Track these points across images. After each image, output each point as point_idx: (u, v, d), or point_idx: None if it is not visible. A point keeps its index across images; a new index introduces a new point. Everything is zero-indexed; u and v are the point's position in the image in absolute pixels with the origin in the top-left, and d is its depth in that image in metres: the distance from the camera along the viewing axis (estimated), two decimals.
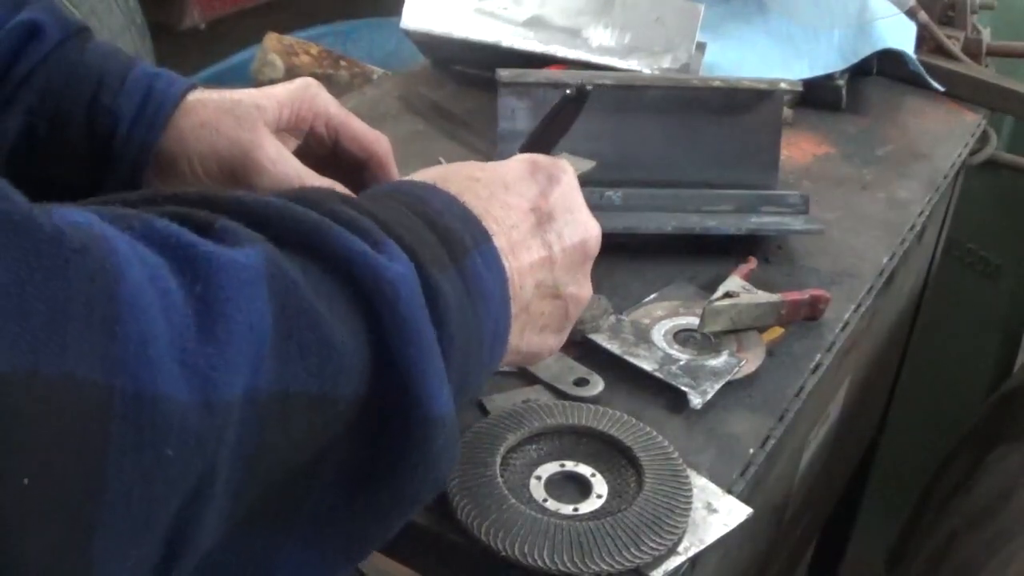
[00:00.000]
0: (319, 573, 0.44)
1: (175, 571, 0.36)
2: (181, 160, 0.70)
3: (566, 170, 0.61)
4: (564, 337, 0.61)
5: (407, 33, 1.17)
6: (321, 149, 0.76)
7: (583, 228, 0.60)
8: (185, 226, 0.38)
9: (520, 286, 0.55)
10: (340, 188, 0.72)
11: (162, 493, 0.34)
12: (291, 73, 1.60)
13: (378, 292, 0.42)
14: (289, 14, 2.34)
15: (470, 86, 1.15)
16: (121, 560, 0.34)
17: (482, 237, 0.52)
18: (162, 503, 0.34)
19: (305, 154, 0.74)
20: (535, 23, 1.12)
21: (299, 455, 0.40)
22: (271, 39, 1.76)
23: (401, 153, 0.79)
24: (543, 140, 0.68)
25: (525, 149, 0.67)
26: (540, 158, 0.61)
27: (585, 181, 0.88)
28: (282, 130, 0.74)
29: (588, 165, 0.80)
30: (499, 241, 0.53)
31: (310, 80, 0.77)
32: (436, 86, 1.17)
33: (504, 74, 0.90)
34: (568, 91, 0.66)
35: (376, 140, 0.77)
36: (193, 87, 0.72)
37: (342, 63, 1.75)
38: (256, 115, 0.71)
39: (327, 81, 1.74)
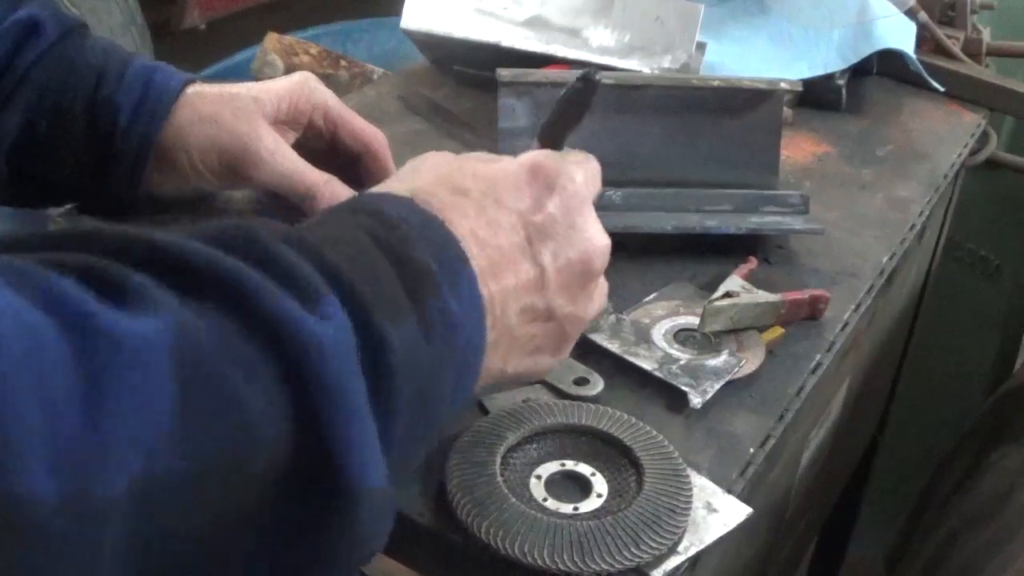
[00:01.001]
0: None
1: None
2: (180, 153, 0.70)
3: (572, 176, 0.56)
4: (564, 355, 0.59)
5: (407, 33, 1.17)
6: (319, 142, 0.77)
7: (584, 243, 0.55)
8: (93, 284, 0.34)
9: (503, 311, 0.52)
10: (337, 182, 0.72)
11: None
12: (291, 73, 1.60)
13: (304, 357, 0.39)
14: (289, 14, 2.34)
15: (470, 86, 1.15)
16: None
17: (458, 264, 0.49)
18: None
19: (303, 147, 0.75)
20: (535, 23, 1.12)
21: (205, 533, 0.37)
22: (271, 39, 1.76)
23: (401, 153, 0.79)
24: (552, 133, 0.64)
25: (540, 141, 0.63)
26: (544, 162, 0.56)
27: None
28: (280, 123, 0.74)
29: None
30: (480, 263, 0.50)
31: (308, 74, 0.77)
32: (436, 86, 1.17)
33: (504, 74, 0.90)
34: (576, 80, 0.61)
35: (373, 134, 0.77)
36: (192, 80, 0.72)
37: (342, 63, 1.75)
38: (254, 108, 0.72)
39: (327, 81, 1.74)
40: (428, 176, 0.54)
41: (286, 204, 0.73)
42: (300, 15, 2.15)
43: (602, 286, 0.60)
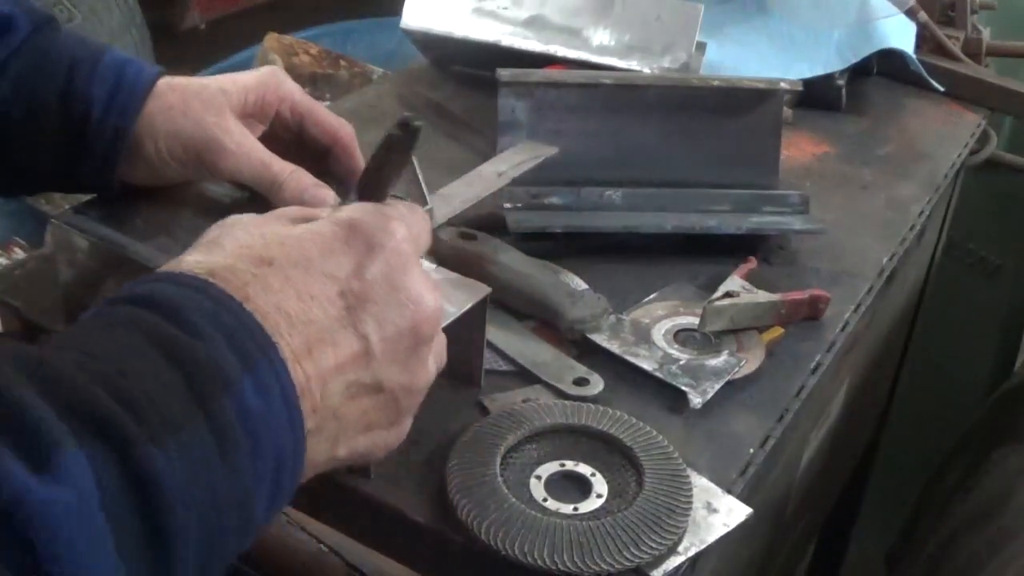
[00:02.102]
0: None
1: None
2: (148, 142, 0.71)
3: (393, 233, 0.51)
4: (403, 429, 0.54)
5: (407, 33, 1.17)
6: (287, 134, 0.77)
7: (411, 309, 0.50)
8: None
9: (322, 394, 0.47)
10: (303, 173, 0.73)
11: None
12: (291, 73, 1.60)
13: (30, 530, 0.34)
14: (289, 14, 2.34)
15: (470, 86, 1.15)
16: None
17: (259, 351, 0.44)
18: None
19: (271, 140, 0.75)
20: (535, 23, 1.12)
21: None
22: (271, 39, 1.76)
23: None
24: (373, 184, 0.58)
25: (361, 193, 0.58)
26: (361, 220, 0.51)
27: (585, 180, 0.88)
28: (248, 115, 0.74)
29: (549, 151, 0.79)
30: (290, 344, 0.45)
31: (275, 68, 0.78)
32: (436, 86, 1.17)
33: (504, 74, 0.90)
34: (393, 129, 0.56)
35: (341, 126, 0.78)
36: (164, 73, 0.73)
37: (342, 63, 1.75)
38: (222, 100, 0.72)
39: (327, 81, 1.74)
40: (230, 247, 0.49)
41: (256, 196, 0.73)
42: (300, 15, 2.15)
43: (439, 343, 0.55)
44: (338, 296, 0.48)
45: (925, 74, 1.28)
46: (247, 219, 0.51)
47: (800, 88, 0.99)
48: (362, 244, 0.50)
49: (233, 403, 0.42)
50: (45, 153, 0.71)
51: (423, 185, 0.69)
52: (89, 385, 0.39)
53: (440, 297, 0.54)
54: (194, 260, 0.47)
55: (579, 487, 0.63)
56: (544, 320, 0.76)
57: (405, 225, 0.52)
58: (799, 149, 1.11)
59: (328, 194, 0.72)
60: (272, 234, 0.49)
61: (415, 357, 0.52)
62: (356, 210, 0.52)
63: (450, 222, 0.74)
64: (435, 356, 0.55)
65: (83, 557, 0.36)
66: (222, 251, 0.48)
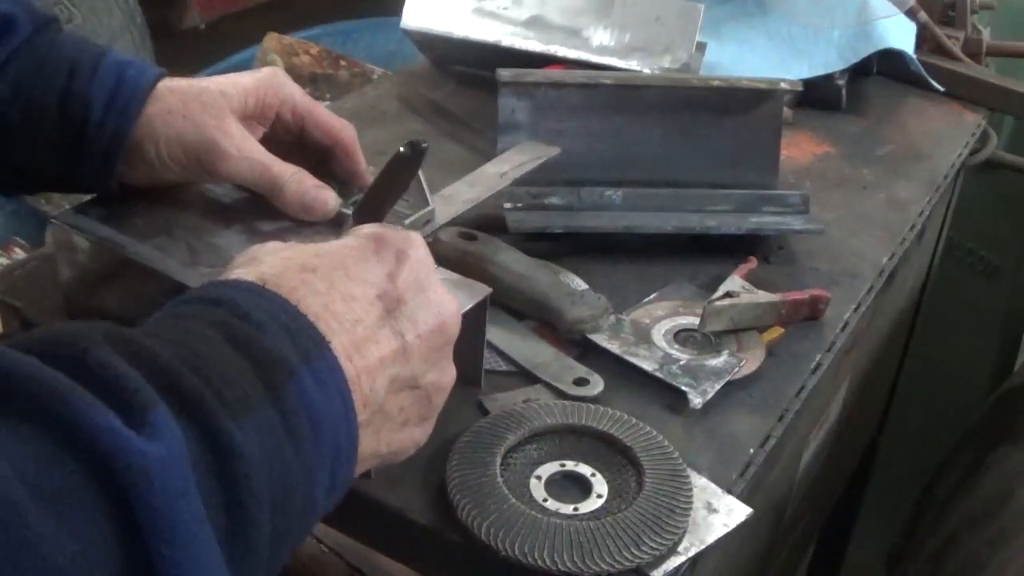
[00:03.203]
0: None
1: None
2: (148, 145, 0.71)
3: (415, 243, 0.56)
4: (430, 427, 0.57)
5: (407, 33, 1.17)
6: (287, 136, 0.77)
7: (437, 309, 0.55)
8: None
9: (370, 388, 0.50)
10: (305, 174, 0.73)
11: None
12: (291, 73, 1.60)
13: (127, 481, 0.36)
14: (289, 14, 2.34)
15: (470, 86, 1.15)
16: None
17: (316, 347, 0.47)
18: None
19: (272, 141, 0.75)
20: (535, 23, 1.12)
21: None
22: (271, 39, 1.76)
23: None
24: (378, 201, 0.61)
25: (359, 211, 0.61)
26: (386, 232, 0.55)
27: (586, 180, 0.88)
28: (248, 117, 0.74)
29: (551, 152, 0.80)
30: (341, 341, 0.48)
31: (276, 69, 0.78)
32: (436, 86, 1.17)
33: (504, 74, 0.90)
34: (402, 149, 0.60)
35: (342, 127, 0.78)
36: (164, 75, 0.73)
37: (342, 63, 1.76)
38: (222, 102, 0.72)
39: (327, 81, 1.74)
40: (270, 260, 0.52)
41: (256, 198, 0.73)
42: (300, 15, 2.15)
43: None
44: (376, 299, 0.52)
45: (925, 74, 1.28)
46: (275, 244, 0.54)
47: (800, 88, 0.99)
48: (391, 254, 0.54)
49: (296, 391, 0.44)
50: (45, 154, 0.71)
51: (425, 186, 0.69)
52: (173, 361, 0.41)
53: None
54: (242, 272, 0.50)
55: (579, 487, 0.63)
56: (544, 320, 0.76)
57: (421, 238, 0.57)
58: (799, 149, 1.11)
59: (329, 195, 0.72)
60: (308, 248, 0.53)
61: (443, 355, 0.56)
62: (376, 227, 0.56)
63: (451, 222, 0.74)
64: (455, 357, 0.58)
65: (176, 511, 0.37)
66: (265, 264, 0.51)
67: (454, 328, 0.56)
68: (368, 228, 0.56)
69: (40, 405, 0.36)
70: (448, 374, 0.56)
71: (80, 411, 0.36)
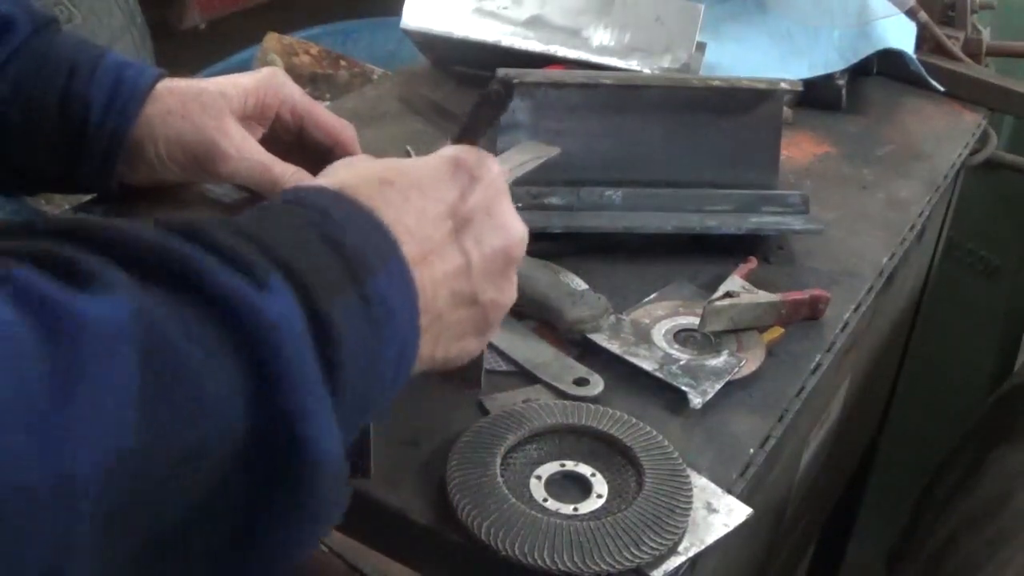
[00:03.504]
0: None
1: None
2: (148, 146, 0.71)
3: (491, 168, 0.58)
4: (486, 340, 0.60)
5: (407, 33, 1.17)
6: (287, 136, 0.77)
7: (505, 232, 0.57)
8: (52, 270, 0.36)
9: (433, 297, 0.53)
10: (304, 174, 0.73)
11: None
12: (291, 73, 1.60)
13: (257, 334, 0.40)
14: (289, 14, 2.34)
15: (470, 86, 1.15)
16: None
17: (389, 250, 0.50)
18: None
19: (272, 141, 0.75)
20: (535, 23, 1.12)
21: (174, 509, 0.38)
22: (271, 39, 1.76)
23: (401, 153, 0.79)
24: (469, 132, 0.65)
25: (456, 139, 0.64)
26: (464, 155, 0.57)
27: (585, 180, 0.88)
28: (248, 118, 0.75)
29: (552, 151, 0.80)
30: (410, 251, 0.51)
31: (276, 69, 0.78)
32: (436, 86, 1.17)
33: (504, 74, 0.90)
34: (494, 82, 0.65)
35: (342, 127, 0.78)
36: (163, 76, 0.73)
37: (342, 63, 1.75)
38: (221, 103, 0.72)
39: (327, 81, 1.74)
40: (352, 172, 0.55)
41: (257, 198, 0.73)
42: (300, 15, 2.15)
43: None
44: (446, 216, 0.54)
45: (925, 74, 1.28)
46: (354, 159, 0.57)
47: (800, 88, 0.99)
48: (465, 176, 0.56)
49: (375, 286, 0.47)
50: (45, 154, 0.71)
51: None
52: (274, 243, 0.44)
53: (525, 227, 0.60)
54: (322, 181, 0.53)
55: (579, 487, 0.63)
56: (544, 320, 0.76)
57: (497, 163, 0.59)
58: (799, 149, 1.11)
59: None
60: (387, 162, 0.56)
61: (504, 276, 0.58)
62: (458, 149, 0.58)
63: None
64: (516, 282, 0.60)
65: (296, 361, 0.41)
66: (347, 174, 0.54)
67: (518, 252, 0.58)
68: (448, 150, 0.58)
69: (177, 272, 0.40)
70: (507, 294, 0.59)
71: (212, 276, 0.40)
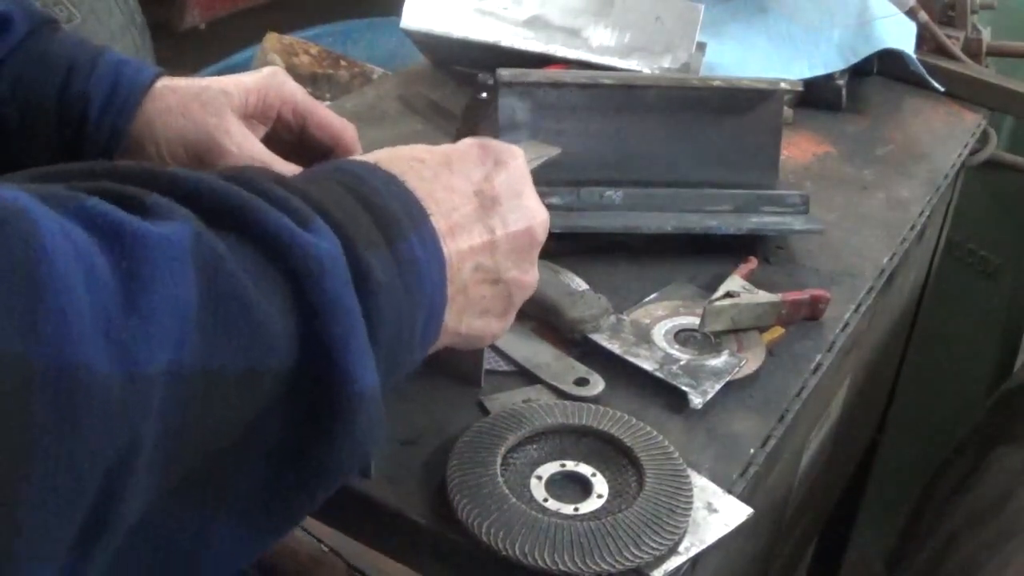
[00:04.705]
0: (249, 547, 0.44)
1: (102, 542, 0.37)
2: (149, 144, 0.71)
3: (516, 155, 0.61)
4: (508, 321, 0.61)
5: (407, 33, 1.17)
6: (288, 135, 0.77)
7: (529, 214, 0.60)
8: (117, 203, 0.39)
9: (458, 268, 0.55)
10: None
11: (86, 464, 0.35)
12: (291, 73, 1.60)
13: (304, 268, 0.42)
14: (289, 14, 2.34)
15: (470, 86, 1.15)
16: (46, 531, 0.34)
17: (420, 217, 0.52)
18: (87, 474, 0.35)
19: (273, 141, 0.75)
20: (535, 23, 1.12)
21: (225, 429, 0.40)
22: (271, 39, 1.76)
23: None
24: (468, 133, 0.67)
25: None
26: (490, 141, 0.61)
27: (586, 180, 0.88)
28: (249, 116, 0.75)
29: (552, 151, 0.80)
30: (438, 223, 0.53)
31: (277, 68, 0.78)
32: (436, 86, 1.17)
33: (504, 74, 0.90)
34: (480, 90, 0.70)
35: (343, 127, 0.78)
36: (162, 74, 0.73)
37: (342, 63, 1.75)
38: (223, 101, 0.72)
39: (327, 81, 1.74)
40: (386, 151, 0.57)
41: None
42: (300, 15, 2.14)
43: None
44: (474, 195, 0.57)
45: (925, 74, 1.28)
46: (392, 148, 0.59)
47: (800, 88, 0.99)
48: (491, 159, 0.59)
49: (407, 248, 0.49)
50: (43, 153, 0.71)
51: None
52: (318, 193, 0.47)
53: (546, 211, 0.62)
54: (367, 155, 0.56)
55: (579, 487, 0.63)
56: (544, 320, 0.76)
57: (521, 151, 0.62)
58: (799, 149, 1.11)
59: None
60: (420, 147, 0.58)
61: (527, 257, 0.60)
62: (483, 138, 0.61)
63: None
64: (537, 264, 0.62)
65: (343, 297, 0.44)
66: (382, 152, 0.56)
67: (542, 234, 0.61)
68: (474, 138, 0.61)
69: (229, 212, 0.42)
70: (530, 275, 0.60)
71: (263, 216, 0.42)
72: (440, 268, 0.53)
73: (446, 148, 0.59)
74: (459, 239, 0.55)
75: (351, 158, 0.56)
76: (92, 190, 0.39)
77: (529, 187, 0.61)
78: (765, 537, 0.88)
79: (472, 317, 0.58)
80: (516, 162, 0.60)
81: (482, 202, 0.57)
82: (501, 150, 0.60)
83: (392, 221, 0.50)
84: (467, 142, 0.60)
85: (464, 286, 0.56)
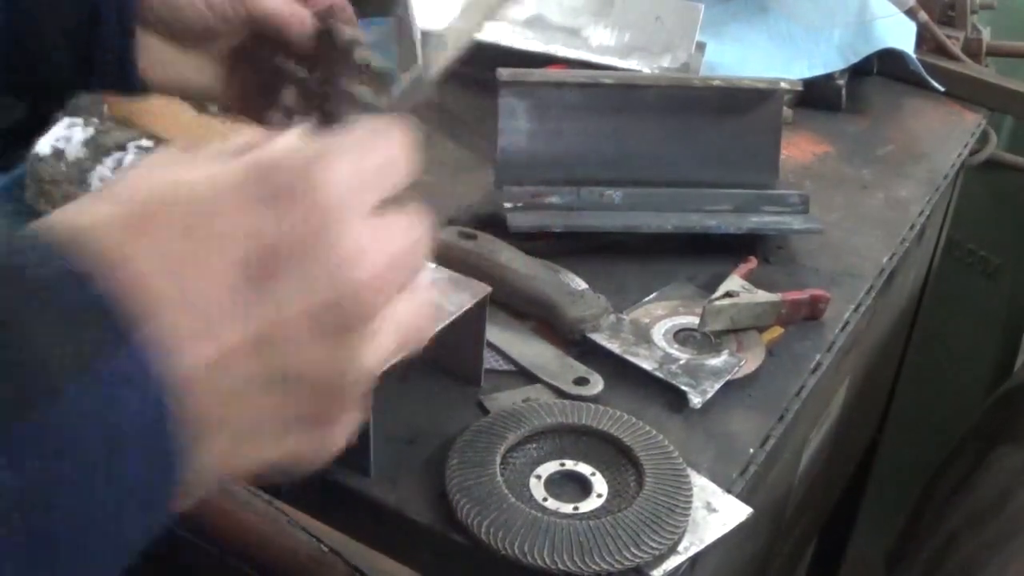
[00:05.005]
0: None
1: None
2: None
3: (325, 176, 0.37)
4: (343, 429, 0.40)
5: None
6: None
7: (335, 273, 0.37)
8: None
9: (212, 387, 0.35)
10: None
11: None
12: None
13: None
14: None
15: (470, 86, 1.15)
16: None
17: (110, 342, 0.33)
18: None
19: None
20: (535, 23, 1.12)
21: None
22: None
23: None
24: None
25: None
26: (283, 161, 0.37)
27: (585, 180, 0.88)
28: None
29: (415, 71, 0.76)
30: (170, 321, 0.34)
31: None
32: (436, 86, 1.17)
33: (504, 74, 0.90)
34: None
35: None
36: None
37: None
38: None
39: None
40: (123, 194, 0.37)
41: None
42: None
43: (404, 311, 0.40)
44: (239, 260, 0.36)
45: (925, 74, 1.28)
46: (165, 155, 0.39)
47: (800, 88, 0.99)
48: (275, 193, 0.37)
49: (52, 412, 0.32)
50: (59, 39, 0.69)
51: (417, 41, 0.68)
52: None
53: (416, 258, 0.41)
54: (62, 215, 0.36)
55: (579, 487, 0.63)
56: (544, 320, 0.76)
57: (351, 160, 0.39)
58: (799, 149, 1.11)
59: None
60: (165, 181, 0.37)
61: (343, 339, 0.38)
62: (279, 149, 0.38)
63: (450, 221, 0.74)
64: (389, 331, 0.40)
65: None
66: (106, 202, 0.36)
67: (368, 296, 0.38)
68: (264, 153, 0.38)
69: None
70: (355, 360, 0.39)
71: None
72: (153, 405, 0.33)
73: (204, 182, 0.37)
74: (210, 338, 0.35)
75: (45, 226, 0.35)
76: None
77: (345, 228, 0.37)
78: (764, 537, 0.88)
79: (265, 444, 0.38)
80: (324, 192, 0.37)
81: (251, 270, 0.36)
82: (296, 175, 0.37)
83: (37, 376, 0.31)
84: (243, 167, 0.37)
85: (231, 404, 0.36)
